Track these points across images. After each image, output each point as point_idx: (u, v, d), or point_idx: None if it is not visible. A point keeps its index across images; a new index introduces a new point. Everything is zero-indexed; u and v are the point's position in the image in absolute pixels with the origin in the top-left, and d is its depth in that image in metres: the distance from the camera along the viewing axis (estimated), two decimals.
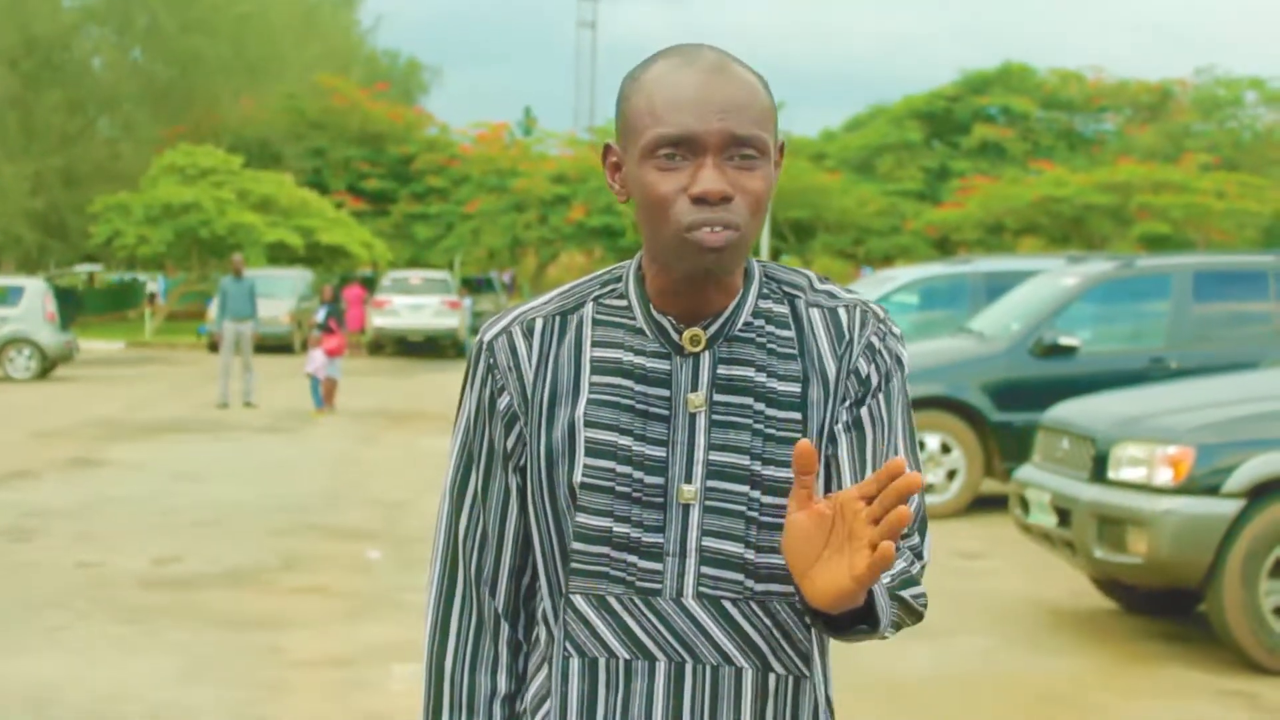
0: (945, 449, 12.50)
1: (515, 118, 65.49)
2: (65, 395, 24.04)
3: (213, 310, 28.56)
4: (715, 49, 1.95)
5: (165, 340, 39.64)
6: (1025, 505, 8.93)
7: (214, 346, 28.52)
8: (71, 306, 37.79)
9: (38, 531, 11.29)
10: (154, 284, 45.24)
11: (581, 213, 43.51)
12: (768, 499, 1.95)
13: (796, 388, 1.98)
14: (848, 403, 2.00)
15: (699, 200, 1.87)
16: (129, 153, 44.53)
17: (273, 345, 33.69)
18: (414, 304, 35.42)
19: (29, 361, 27.09)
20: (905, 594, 1.96)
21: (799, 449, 1.77)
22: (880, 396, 2.01)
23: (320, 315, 21.33)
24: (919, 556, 2.04)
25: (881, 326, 2.02)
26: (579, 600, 1.97)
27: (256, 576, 9.73)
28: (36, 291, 27.69)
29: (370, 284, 42.67)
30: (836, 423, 1.99)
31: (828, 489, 2.01)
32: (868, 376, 2.00)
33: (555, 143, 49.71)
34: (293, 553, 10.53)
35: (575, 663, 1.98)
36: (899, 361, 2.03)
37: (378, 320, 35.68)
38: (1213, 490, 7.65)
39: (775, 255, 47.92)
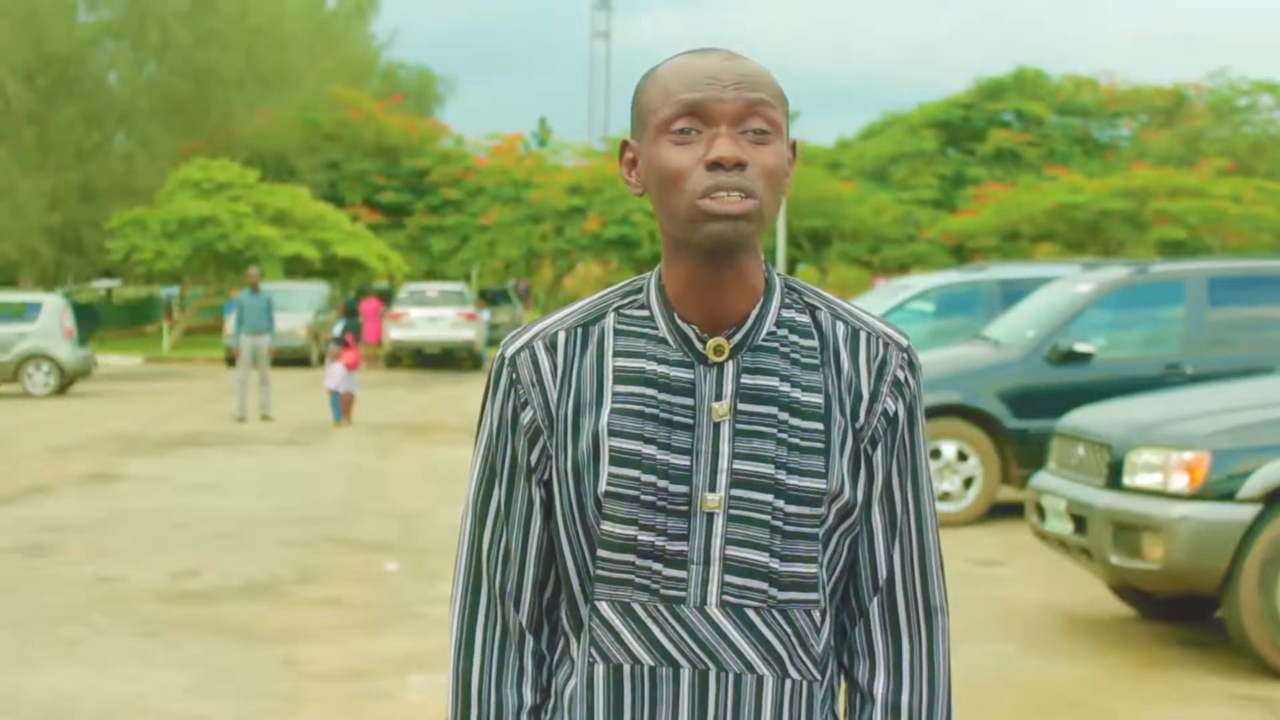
0: (961, 456, 12.47)
1: (530, 129, 65.37)
2: (83, 410, 24.11)
3: (230, 324, 28.64)
4: (726, 48, 2.00)
5: (183, 355, 39.74)
6: (1041, 512, 8.91)
7: (231, 360, 28.58)
8: (89, 322, 37.81)
9: (55, 546, 11.33)
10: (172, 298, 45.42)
11: (597, 223, 43.52)
12: (792, 508, 1.96)
13: (819, 399, 1.99)
14: (878, 443, 2.03)
15: (714, 166, 1.90)
16: (145, 167, 44.59)
17: (290, 358, 33.76)
18: (431, 316, 35.43)
19: (47, 377, 27.17)
20: None
21: None
22: (908, 440, 2.06)
23: (338, 329, 21.38)
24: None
25: (904, 356, 2.05)
26: (604, 608, 1.98)
27: (273, 589, 9.75)
28: (54, 307, 27.77)
29: (387, 296, 42.71)
30: (868, 456, 2.03)
31: (856, 522, 2.05)
32: (895, 414, 2.03)
33: (570, 154, 49.74)
34: (310, 565, 10.55)
35: (600, 669, 1.99)
36: (920, 395, 2.07)
37: (394, 333, 35.69)
38: (1229, 496, 7.63)
39: (791, 264, 47.93)
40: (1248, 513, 7.58)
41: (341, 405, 20.90)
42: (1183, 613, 8.90)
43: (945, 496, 12.34)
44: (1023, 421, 12.32)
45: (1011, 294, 14.95)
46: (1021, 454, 12.20)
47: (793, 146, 1.99)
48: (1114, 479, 8.13)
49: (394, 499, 13.90)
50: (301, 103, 47.07)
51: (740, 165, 1.89)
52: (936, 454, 12.35)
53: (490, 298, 44.90)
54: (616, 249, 44.73)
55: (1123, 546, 7.95)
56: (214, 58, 44.03)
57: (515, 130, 50.00)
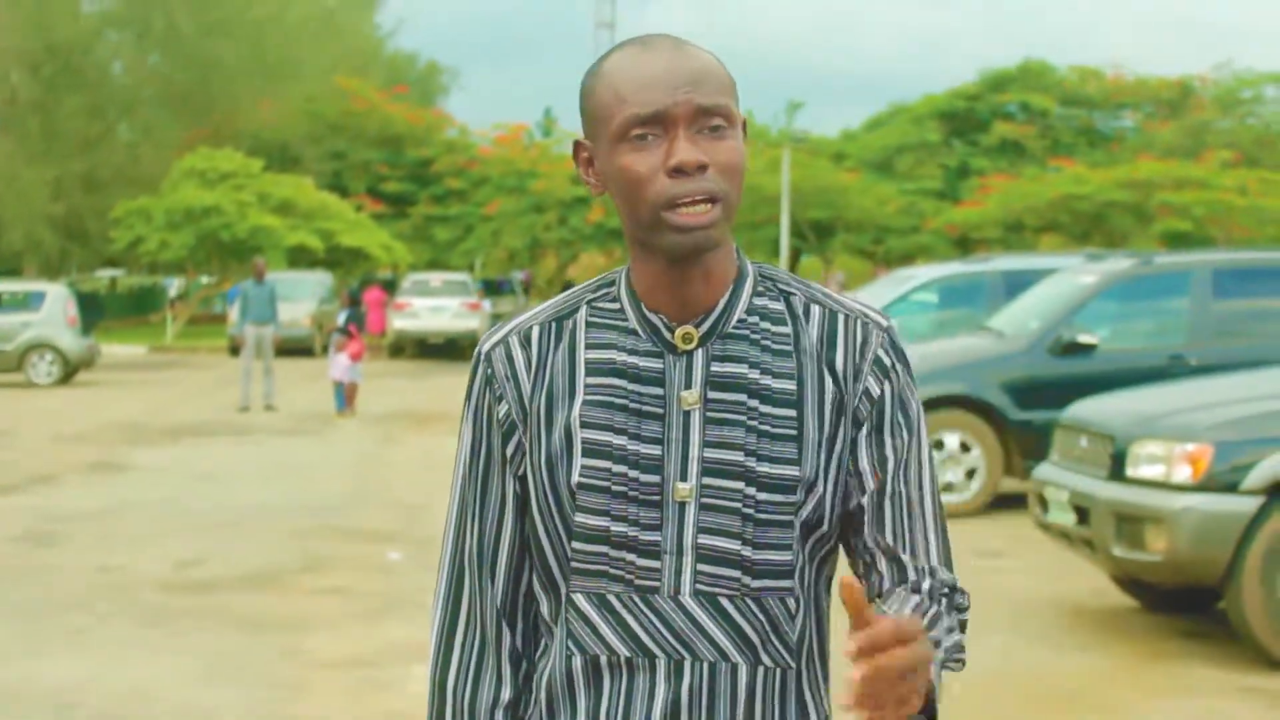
0: (964, 448, 12.48)
1: (535, 119, 65.37)
2: (87, 399, 24.13)
3: (234, 314, 28.68)
4: (668, 35, 1.99)
5: (186, 344, 39.75)
6: (1044, 503, 8.92)
7: (235, 350, 28.59)
8: (93, 311, 37.86)
9: (60, 535, 11.35)
10: (174, 289, 45.50)
11: (601, 214, 43.51)
12: (764, 496, 1.95)
13: (791, 385, 1.98)
14: (864, 427, 2.00)
15: (676, 172, 1.89)
16: (149, 157, 44.64)
17: (293, 348, 33.75)
18: (434, 306, 35.47)
19: (51, 366, 27.19)
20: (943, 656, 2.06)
21: (843, 584, 1.67)
22: (901, 419, 2.01)
23: (341, 319, 21.41)
24: (957, 609, 2.08)
25: (885, 336, 2.02)
26: (580, 599, 1.99)
27: (277, 578, 9.76)
28: (58, 296, 27.79)
29: (390, 286, 42.71)
30: (857, 446, 1.99)
31: (849, 506, 2.01)
32: (880, 396, 2.00)
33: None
34: (313, 554, 10.56)
35: (578, 661, 1.99)
36: (907, 372, 2.03)
37: (398, 322, 35.75)
38: (1231, 487, 7.64)
39: (796, 255, 47.90)
40: (1250, 504, 7.59)
41: (345, 395, 20.92)
42: (1185, 604, 8.90)
43: (948, 488, 12.34)
44: (1026, 413, 12.32)
45: (1015, 285, 14.93)
46: (1024, 445, 12.19)
47: (743, 125, 1.98)
48: (1117, 470, 8.13)
49: (397, 489, 13.92)
50: (306, 93, 47.01)
51: (702, 168, 1.89)
52: (939, 445, 12.35)
53: (494, 288, 44.91)
54: (619, 239, 44.68)
55: (1125, 538, 7.95)
56: (218, 48, 43.98)
57: (520, 120, 49.95)
